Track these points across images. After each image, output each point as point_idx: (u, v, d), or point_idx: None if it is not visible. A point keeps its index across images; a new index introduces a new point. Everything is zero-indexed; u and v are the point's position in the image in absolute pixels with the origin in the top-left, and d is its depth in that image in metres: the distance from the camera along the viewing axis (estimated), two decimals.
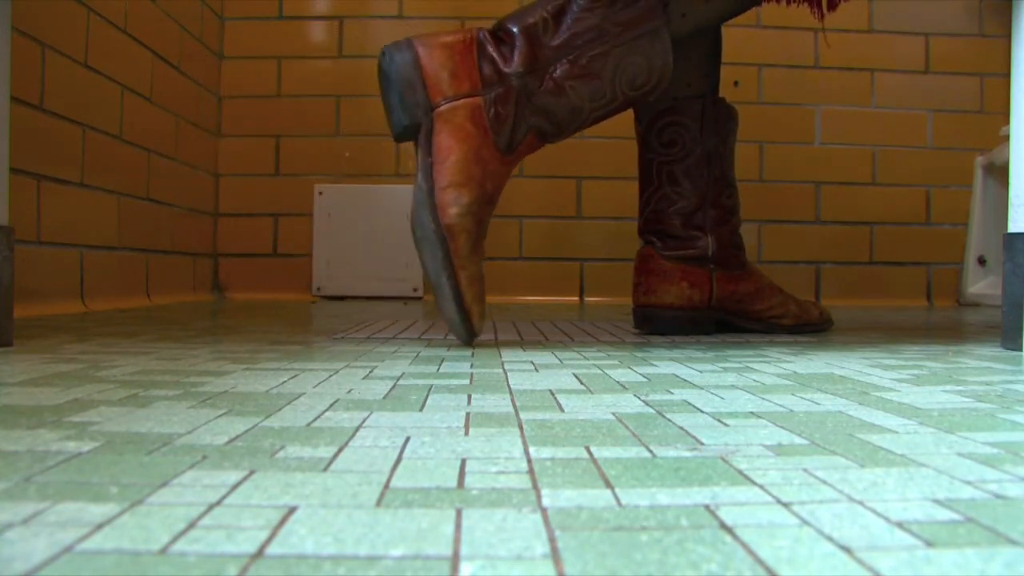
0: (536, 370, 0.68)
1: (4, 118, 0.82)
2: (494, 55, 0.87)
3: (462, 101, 0.85)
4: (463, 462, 0.36)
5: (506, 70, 0.86)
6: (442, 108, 0.84)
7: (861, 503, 0.30)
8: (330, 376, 0.63)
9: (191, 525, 0.27)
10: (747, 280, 1.10)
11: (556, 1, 0.90)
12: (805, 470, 0.35)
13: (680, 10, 0.97)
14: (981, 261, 2.21)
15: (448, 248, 0.82)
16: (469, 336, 0.86)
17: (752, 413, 0.49)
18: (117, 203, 1.65)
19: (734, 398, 0.54)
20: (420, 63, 0.85)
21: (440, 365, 0.71)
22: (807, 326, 1.13)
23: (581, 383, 0.61)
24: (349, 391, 0.55)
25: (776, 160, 2.32)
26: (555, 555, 0.24)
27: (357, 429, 0.43)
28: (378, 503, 0.30)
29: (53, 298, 1.38)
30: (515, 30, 0.88)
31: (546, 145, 0.91)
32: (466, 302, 0.83)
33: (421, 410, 0.49)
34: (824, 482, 0.33)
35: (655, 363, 0.74)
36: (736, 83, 2.24)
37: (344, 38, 2.29)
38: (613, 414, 0.48)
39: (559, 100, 0.88)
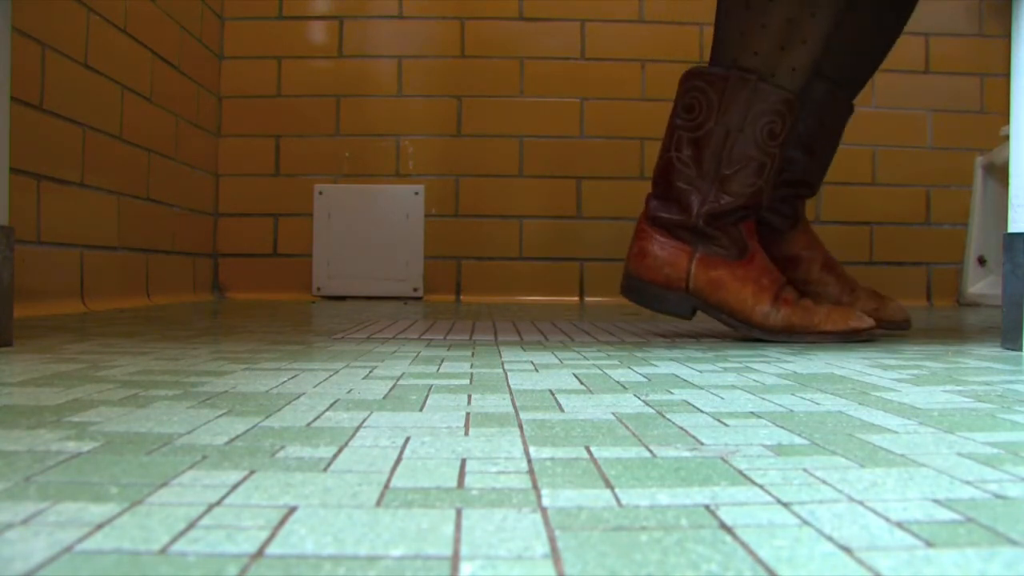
0: (536, 370, 0.68)
1: (4, 118, 0.82)
2: (679, 220, 0.99)
3: (694, 267, 0.99)
4: (463, 462, 0.36)
5: (697, 223, 0.98)
6: (691, 286, 0.99)
7: (861, 503, 0.30)
8: (330, 376, 0.63)
9: (191, 525, 0.27)
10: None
11: (682, 136, 0.99)
12: (805, 470, 0.35)
13: (789, 65, 0.96)
14: (981, 261, 2.21)
15: (797, 331, 0.97)
16: (871, 331, 0.99)
17: (752, 413, 0.49)
18: (117, 203, 1.65)
19: (734, 398, 0.54)
20: (647, 280, 1.00)
21: (440, 365, 0.71)
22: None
23: (581, 383, 0.61)
24: (349, 391, 0.55)
25: None
26: (555, 555, 0.24)
27: (357, 429, 0.43)
28: (378, 503, 0.30)
29: (53, 298, 1.38)
30: (678, 183, 0.99)
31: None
32: (841, 329, 0.97)
33: (421, 410, 0.49)
34: (824, 482, 0.33)
35: (655, 363, 0.74)
36: None
37: (344, 38, 2.29)
38: (613, 414, 0.48)
39: (742, 200, 0.97)
